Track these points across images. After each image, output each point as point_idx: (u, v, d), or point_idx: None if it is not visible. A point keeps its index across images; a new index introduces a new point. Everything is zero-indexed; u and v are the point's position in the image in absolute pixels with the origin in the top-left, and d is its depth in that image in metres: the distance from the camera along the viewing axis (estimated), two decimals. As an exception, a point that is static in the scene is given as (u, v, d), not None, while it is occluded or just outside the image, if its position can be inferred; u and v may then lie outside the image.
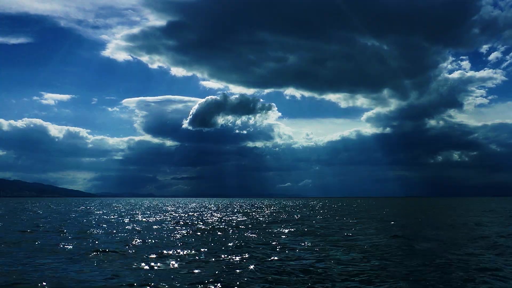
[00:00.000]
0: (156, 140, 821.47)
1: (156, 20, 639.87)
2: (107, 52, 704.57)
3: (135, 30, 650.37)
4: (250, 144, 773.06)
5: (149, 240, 24.98)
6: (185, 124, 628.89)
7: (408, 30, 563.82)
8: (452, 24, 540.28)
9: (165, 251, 20.41)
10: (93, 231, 31.31)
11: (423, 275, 15.03)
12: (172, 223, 40.16)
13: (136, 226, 35.72)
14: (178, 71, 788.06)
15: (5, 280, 14.28)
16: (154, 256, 19.12)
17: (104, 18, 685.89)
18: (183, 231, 30.84)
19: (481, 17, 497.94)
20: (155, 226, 35.70)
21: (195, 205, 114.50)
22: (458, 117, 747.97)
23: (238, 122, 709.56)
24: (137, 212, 66.72)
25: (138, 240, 24.91)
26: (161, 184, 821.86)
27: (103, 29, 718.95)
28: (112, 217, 51.38)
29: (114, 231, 31.28)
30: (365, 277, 14.69)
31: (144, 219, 45.76)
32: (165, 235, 27.92)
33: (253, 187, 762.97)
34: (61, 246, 22.49)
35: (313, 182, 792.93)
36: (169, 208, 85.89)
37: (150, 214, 59.57)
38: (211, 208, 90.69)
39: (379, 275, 15.05)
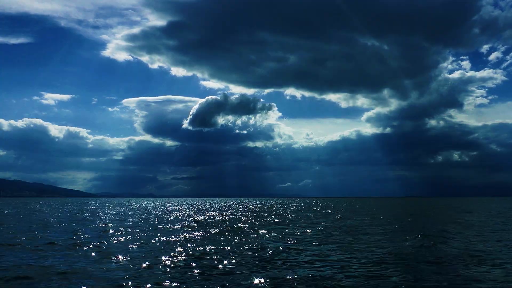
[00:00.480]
0: (156, 140, 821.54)
1: (157, 20, 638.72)
2: (107, 52, 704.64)
3: (136, 30, 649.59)
4: (250, 144, 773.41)
5: (170, 240, 24.92)
6: (185, 124, 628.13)
7: (408, 30, 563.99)
8: (452, 24, 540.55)
9: (191, 252, 20.32)
10: (113, 231, 31.22)
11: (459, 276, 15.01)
12: (189, 222, 40.06)
13: (156, 226, 35.64)
14: (179, 71, 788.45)
15: (31, 276, 14.22)
16: (178, 256, 19.03)
17: (104, 18, 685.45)
18: (212, 230, 30.73)
19: (481, 17, 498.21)
20: (176, 226, 35.63)
21: (204, 204, 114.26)
22: (458, 117, 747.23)
23: (238, 122, 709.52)
24: (149, 211, 66.61)
25: (160, 239, 24.86)
26: (161, 184, 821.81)
27: (103, 29, 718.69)
28: (125, 216, 51.28)
29: (135, 230, 31.20)
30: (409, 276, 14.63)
31: (160, 219, 45.65)
32: (188, 235, 27.82)
33: (253, 187, 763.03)
34: (87, 245, 22.40)
35: (313, 182, 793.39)
36: (179, 208, 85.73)
37: (162, 213, 59.46)
38: (220, 207, 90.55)
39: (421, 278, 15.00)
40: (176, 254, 19.54)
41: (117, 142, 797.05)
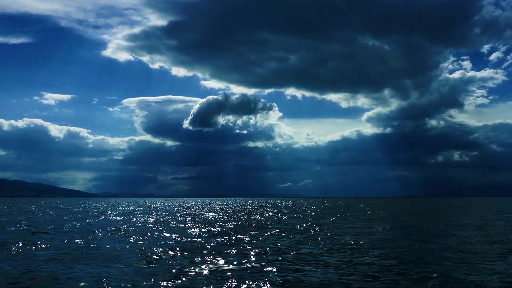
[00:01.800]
0: (156, 140, 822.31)
1: (157, 20, 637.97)
2: (107, 52, 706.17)
3: (136, 30, 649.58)
4: (251, 144, 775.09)
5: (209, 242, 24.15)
6: (186, 124, 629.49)
7: (408, 30, 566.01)
8: (453, 24, 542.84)
9: (232, 253, 19.56)
10: (158, 235, 30.45)
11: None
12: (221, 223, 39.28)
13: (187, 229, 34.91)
14: (179, 71, 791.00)
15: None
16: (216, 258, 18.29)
17: (105, 18, 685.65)
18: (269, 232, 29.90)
19: (482, 17, 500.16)
20: (213, 229, 34.86)
21: (220, 205, 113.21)
22: (459, 117, 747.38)
23: (239, 122, 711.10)
24: (168, 212, 65.82)
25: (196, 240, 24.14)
26: (161, 184, 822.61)
27: (104, 29, 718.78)
28: (147, 217, 50.54)
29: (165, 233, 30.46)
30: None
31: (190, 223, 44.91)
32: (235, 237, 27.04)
33: (253, 187, 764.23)
34: (124, 250, 21.62)
35: (313, 182, 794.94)
36: (197, 209, 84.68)
37: (179, 215, 58.69)
38: (237, 208, 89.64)
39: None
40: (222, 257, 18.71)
41: (118, 142, 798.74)
